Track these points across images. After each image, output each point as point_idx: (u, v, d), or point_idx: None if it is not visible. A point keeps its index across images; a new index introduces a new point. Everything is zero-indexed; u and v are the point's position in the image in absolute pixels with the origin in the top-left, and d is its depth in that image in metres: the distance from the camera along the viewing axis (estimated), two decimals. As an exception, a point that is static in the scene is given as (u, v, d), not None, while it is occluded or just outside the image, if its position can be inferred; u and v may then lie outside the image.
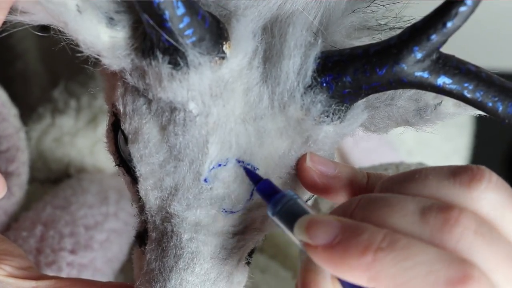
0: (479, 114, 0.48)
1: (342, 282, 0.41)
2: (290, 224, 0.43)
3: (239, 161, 0.46)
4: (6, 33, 0.46)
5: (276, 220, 0.44)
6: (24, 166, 0.70)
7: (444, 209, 0.41)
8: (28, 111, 0.78)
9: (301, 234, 0.42)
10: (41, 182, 0.78)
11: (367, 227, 0.40)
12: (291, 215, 0.43)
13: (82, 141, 0.77)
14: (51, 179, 0.78)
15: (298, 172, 0.47)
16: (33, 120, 0.78)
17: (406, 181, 0.43)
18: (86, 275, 0.67)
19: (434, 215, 0.41)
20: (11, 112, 0.70)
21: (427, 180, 0.43)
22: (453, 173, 0.42)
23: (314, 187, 0.47)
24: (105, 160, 0.77)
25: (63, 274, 0.66)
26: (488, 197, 0.42)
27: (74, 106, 0.78)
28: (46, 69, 0.89)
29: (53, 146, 0.78)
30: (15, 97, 0.73)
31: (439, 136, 0.93)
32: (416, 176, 0.43)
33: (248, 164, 0.46)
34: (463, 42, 0.73)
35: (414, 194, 0.42)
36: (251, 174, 0.46)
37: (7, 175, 0.68)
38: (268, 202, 0.44)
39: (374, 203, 0.42)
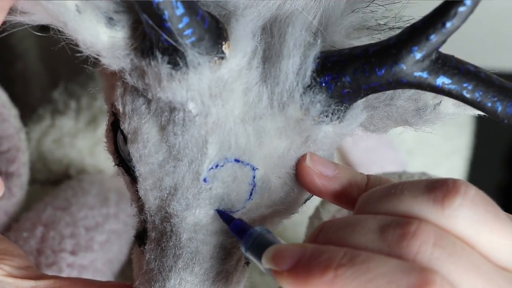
0: (479, 114, 0.48)
1: None
2: (259, 256, 0.44)
3: (237, 161, 0.46)
4: (6, 33, 0.46)
5: (248, 255, 0.45)
6: (24, 167, 0.70)
7: (402, 224, 0.41)
8: (28, 112, 0.78)
9: (268, 262, 0.43)
10: (42, 183, 0.78)
11: (328, 247, 0.41)
12: (260, 248, 0.44)
13: (82, 142, 0.77)
14: (51, 180, 0.78)
15: (297, 172, 0.47)
16: (33, 121, 0.78)
17: (383, 196, 0.43)
18: (86, 276, 0.67)
19: (392, 231, 0.41)
20: (12, 112, 0.70)
21: (403, 196, 0.42)
22: (428, 188, 0.42)
23: (313, 187, 0.47)
24: (105, 161, 0.77)
25: (64, 275, 0.66)
26: (461, 215, 0.41)
27: (74, 107, 0.78)
28: (46, 69, 0.89)
29: (53, 147, 0.77)
30: (15, 98, 0.72)
31: (439, 135, 0.92)
32: (392, 191, 0.43)
33: (247, 164, 0.46)
34: (463, 42, 0.73)
35: (389, 210, 0.42)
36: (223, 215, 0.47)
37: (8, 176, 0.68)
38: (241, 239, 0.46)
39: (335, 226, 0.43)
